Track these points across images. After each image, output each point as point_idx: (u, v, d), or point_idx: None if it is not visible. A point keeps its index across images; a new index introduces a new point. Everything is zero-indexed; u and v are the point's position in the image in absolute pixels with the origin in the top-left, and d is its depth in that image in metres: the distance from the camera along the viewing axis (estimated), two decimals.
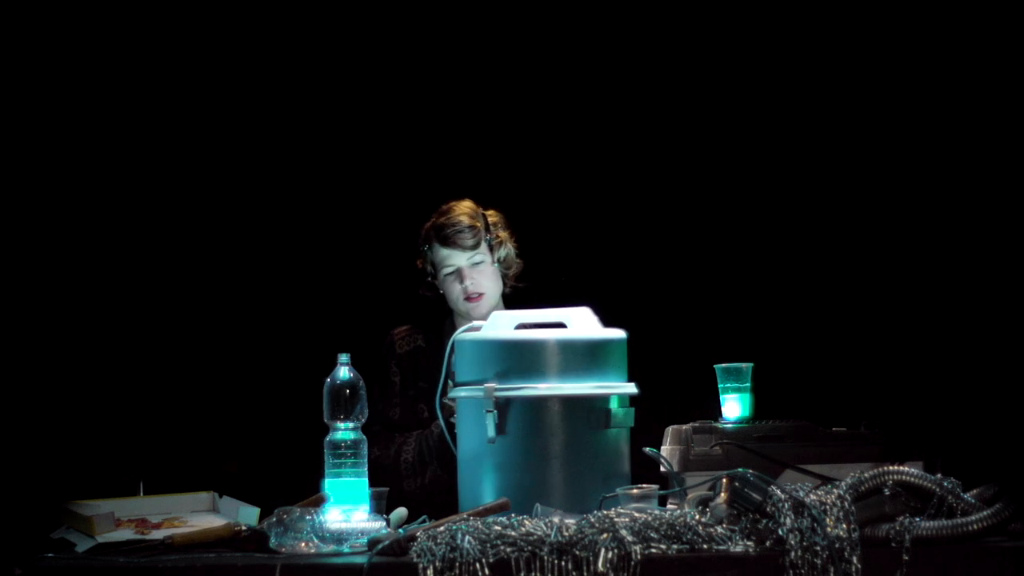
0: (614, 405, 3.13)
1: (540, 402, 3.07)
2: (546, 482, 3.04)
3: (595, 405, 3.11)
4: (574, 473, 3.06)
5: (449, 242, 3.85)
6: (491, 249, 3.89)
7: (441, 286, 3.92)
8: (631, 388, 3.19)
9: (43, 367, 4.55)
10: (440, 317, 3.99)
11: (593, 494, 3.03)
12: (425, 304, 4.62)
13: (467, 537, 2.64)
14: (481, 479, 3.09)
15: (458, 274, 3.86)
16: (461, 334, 3.30)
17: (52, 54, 4.58)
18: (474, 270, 3.86)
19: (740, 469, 2.79)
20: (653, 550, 2.65)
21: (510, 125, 4.77)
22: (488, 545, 2.64)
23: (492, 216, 3.94)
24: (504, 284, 3.94)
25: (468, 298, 3.85)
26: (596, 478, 3.07)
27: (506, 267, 3.93)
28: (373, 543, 2.70)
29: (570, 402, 3.08)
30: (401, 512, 3.09)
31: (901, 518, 2.72)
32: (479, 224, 3.88)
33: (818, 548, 2.64)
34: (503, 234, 3.93)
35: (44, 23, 4.56)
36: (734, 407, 3.24)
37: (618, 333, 3.24)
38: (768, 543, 2.68)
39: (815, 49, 4.70)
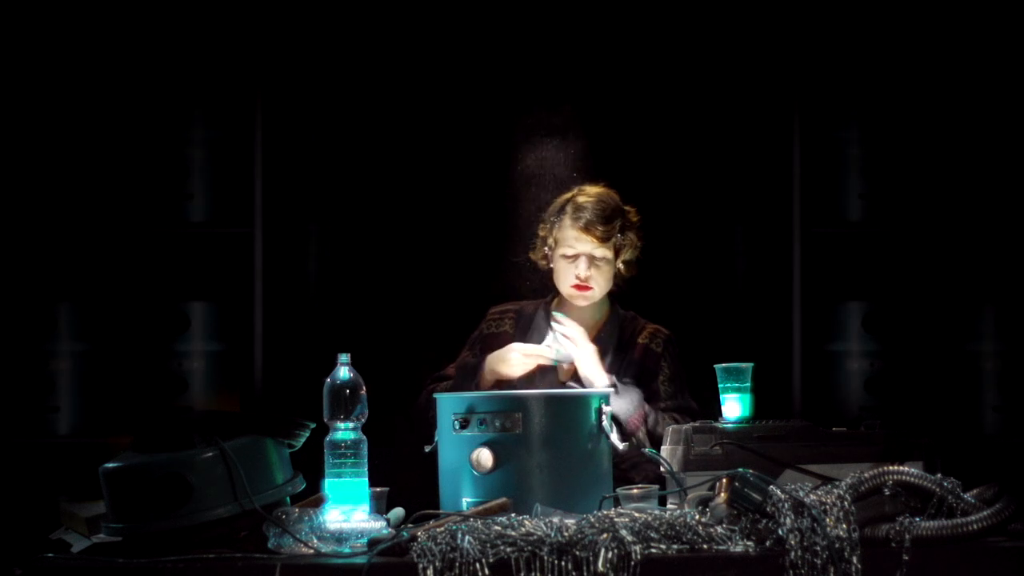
0: (595, 404, 3.14)
1: (520, 402, 3.07)
2: (529, 484, 3.03)
3: (575, 404, 3.11)
4: (562, 473, 3.05)
5: (580, 226, 3.63)
6: (618, 250, 3.68)
7: (552, 261, 3.72)
8: (608, 389, 3.26)
9: (44, 368, 4.55)
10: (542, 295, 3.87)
11: (583, 494, 3.03)
12: (417, 307, 4.64)
13: (467, 537, 2.64)
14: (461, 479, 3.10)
15: (576, 259, 3.64)
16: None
17: (54, 54, 4.58)
18: (594, 263, 3.65)
19: (740, 469, 2.79)
20: (653, 550, 2.65)
21: (511, 123, 4.77)
22: (488, 545, 2.63)
23: (633, 215, 3.73)
24: (613, 284, 3.73)
25: (578, 287, 3.65)
26: (586, 478, 3.08)
27: (625, 268, 3.72)
28: (373, 543, 2.70)
29: (552, 401, 3.09)
30: (400, 512, 3.09)
31: (901, 518, 2.72)
32: (618, 221, 3.66)
33: (818, 548, 2.64)
34: (635, 237, 3.71)
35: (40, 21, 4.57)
36: (734, 407, 3.24)
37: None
38: (768, 543, 2.68)
39: (822, 51, 4.71)
